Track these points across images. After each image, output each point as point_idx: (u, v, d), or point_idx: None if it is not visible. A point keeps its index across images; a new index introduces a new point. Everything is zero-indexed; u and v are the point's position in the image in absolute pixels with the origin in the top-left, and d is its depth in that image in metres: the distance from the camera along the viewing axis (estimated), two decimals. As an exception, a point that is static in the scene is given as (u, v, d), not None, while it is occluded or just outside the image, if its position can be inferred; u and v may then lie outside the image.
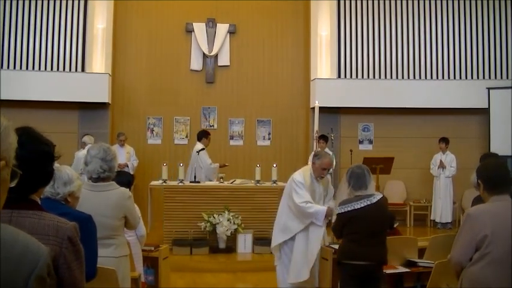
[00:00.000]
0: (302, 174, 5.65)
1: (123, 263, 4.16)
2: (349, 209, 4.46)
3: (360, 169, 4.58)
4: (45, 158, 2.04)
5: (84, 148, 9.85)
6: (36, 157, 1.98)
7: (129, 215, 4.18)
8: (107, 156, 4.04)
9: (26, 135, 1.98)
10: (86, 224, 3.06)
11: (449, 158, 10.82)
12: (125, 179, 5.05)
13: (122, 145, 10.72)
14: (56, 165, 2.20)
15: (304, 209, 5.51)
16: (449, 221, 10.74)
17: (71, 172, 3.35)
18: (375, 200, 4.48)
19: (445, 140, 10.91)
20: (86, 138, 10.08)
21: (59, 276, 1.85)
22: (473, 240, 3.32)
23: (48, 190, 3.15)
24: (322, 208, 5.52)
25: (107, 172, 4.05)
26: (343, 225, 4.53)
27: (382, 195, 4.65)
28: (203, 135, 9.95)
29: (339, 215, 4.58)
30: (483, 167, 3.60)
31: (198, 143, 9.91)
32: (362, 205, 4.44)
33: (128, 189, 4.33)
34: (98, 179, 4.07)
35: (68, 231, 1.92)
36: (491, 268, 3.25)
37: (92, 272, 3.05)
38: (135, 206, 4.38)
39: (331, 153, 8.39)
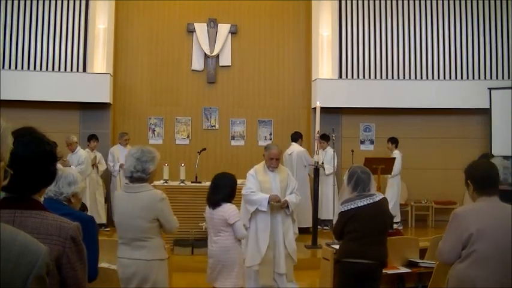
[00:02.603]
0: (256, 167, 6.17)
1: (155, 266, 4.12)
2: (352, 206, 4.47)
3: (365, 174, 4.58)
4: (47, 158, 2.04)
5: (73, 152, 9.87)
6: (39, 157, 1.99)
7: (161, 217, 4.14)
8: (143, 157, 4.09)
9: (29, 136, 1.99)
10: (87, 225, 3.06)
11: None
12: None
13: (125, 145, 10.72)
14: (59, 166, 2.21)
15: (248, 196, 5.98)
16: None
17: (76, 173, 3.38)
18: (377, 199, 4.51)
19: (391, 140, 10.73)
20: (75, 139, 10.05)
21: (61, 276, 1.85)
22: (459, 239, 3.35)
23: (52, 189, 3.16)
24: (265, 195, 5.88)
25: (140, 172, 4.08)
26: (345, 224, 4.53)
27: (383, 196, 4.67)
28: (299, 136, 10.33)
29: (341, 213, 4.58)
30: (473, 167, 3.60)
31: (294, 143, 10.21)
32: (364, 203, 4.45)
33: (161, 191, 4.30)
34: (131, 178, 4.12)
35: (71, 231, 1.92)
36: (477, 266, 3.29)
37: (93, 273, 3.05)
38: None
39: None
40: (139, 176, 4.09)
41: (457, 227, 3.39)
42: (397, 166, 10.32)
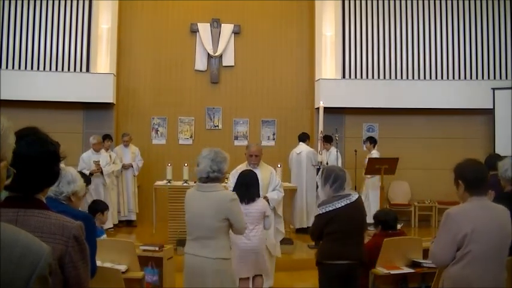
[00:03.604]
0: (239, 167, 6.45)
1: (221, 265, 4.21)
2: (330, 208, 4.47)
3: (342, 171, 4.64)
4: (52, 158, 2.05)
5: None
6: (43, 157, 1.99)
7: (231, 217, 4.23)
8: (217, 157, 4.28)
9: (33, 136, 2.00)
10: (84, 223, 3.06)
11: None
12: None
13: (127, 145, 10.73)
14: (62, 165, 2.22)
15: None
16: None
17: (74, 172, 3.44)
18: (353, 199, 4.54)
19: (370, 139, 10.70)
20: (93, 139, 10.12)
21: (64, 275, 1.85)
22: (454, 240, 3.33)
23: (52, 189, 3.18)
24: None
25: (216, 173, 4.26)
26: (323, 226, 4.53)
27: (358, 195, 4.71)
28: (306, 137, 10.36)
29: (319, 215, 4.57)
30: (464, 167, 3.57)
31: (302, 143, 10.18)
32: (342, 204, 4.47)
33: (232, 192, 4.42)
34: (207, 179, 4.26)
35: (74, 230, 1.93)
36: (472, 266, 3.28)
37: (92, 270, 3.06)
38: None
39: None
40: (216, 175, 4.27)
41: (450, 228, 3.37)
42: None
